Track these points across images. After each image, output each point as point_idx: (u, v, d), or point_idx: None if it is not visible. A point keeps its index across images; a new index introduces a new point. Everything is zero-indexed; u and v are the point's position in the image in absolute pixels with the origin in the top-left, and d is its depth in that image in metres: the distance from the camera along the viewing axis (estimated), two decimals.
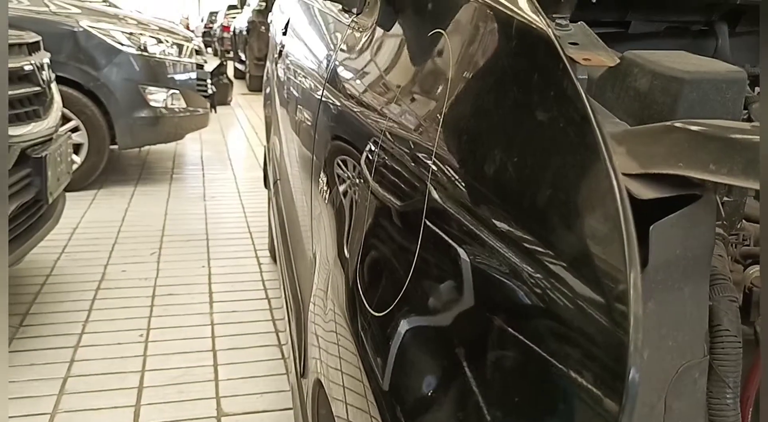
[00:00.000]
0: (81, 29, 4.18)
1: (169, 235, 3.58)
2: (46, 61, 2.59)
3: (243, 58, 11.08)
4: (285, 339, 2.35)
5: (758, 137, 0.41)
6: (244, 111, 8.54)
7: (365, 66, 0.99)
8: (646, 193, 0.44)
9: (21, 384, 2.08)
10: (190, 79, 4.80)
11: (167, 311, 2.65)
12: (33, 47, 2.48)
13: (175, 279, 2.98)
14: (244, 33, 10.48)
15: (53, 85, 2.67)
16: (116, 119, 4.31)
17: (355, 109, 0.94)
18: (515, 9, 0.55)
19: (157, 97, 4.47)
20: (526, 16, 0.53)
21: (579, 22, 0.59)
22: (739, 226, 0.58)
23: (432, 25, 0.73)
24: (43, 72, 2.48)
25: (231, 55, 13.29)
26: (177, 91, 4.61)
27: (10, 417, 1.91)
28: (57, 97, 2.69)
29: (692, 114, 0.53)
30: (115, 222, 3.73)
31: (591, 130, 0.40)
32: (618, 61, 0.56)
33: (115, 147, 4.47)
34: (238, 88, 10.21)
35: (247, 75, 10.47)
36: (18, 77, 2.26)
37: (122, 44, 4.33)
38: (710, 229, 0.46)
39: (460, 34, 0.65)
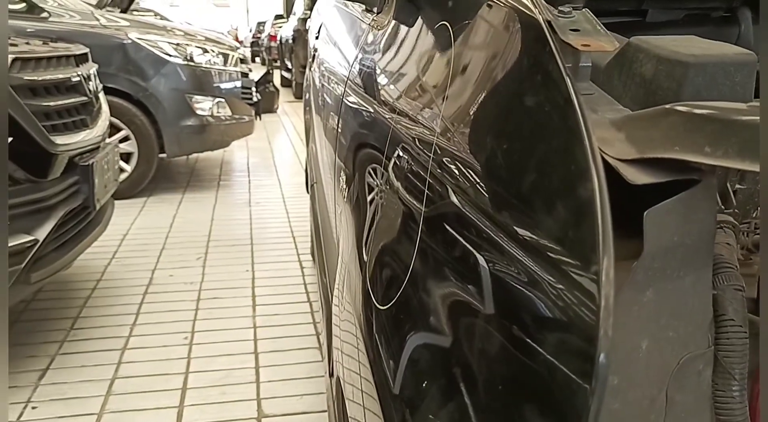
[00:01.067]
0: (130, 41, 4.30)
1: (215, 240, 3.64)
2: (93, 71, 2.67)
3: (289, 66, 11.24)
4: (323, 342, 2.38)
5: (756, 117, 0.40)
6: (290, 118, 8.64)
7: (380, 63, 0.99)
8: (641, 178, 0.43)
9: (71, 385, 2.14)
10: (235, 87, 4.89)
11: (212, 314, 2.70)
12: (80, 59, 2.56)
13: (220, 283, 3.03)
14: (290, 41, 10.62)
15: (101, 95, 2.75)
16: (164, 128, 4.41)
17: (370, 107, 0.95)
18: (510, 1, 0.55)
19: (204, 105, 4.57)
20: (520, 5, 0.52)
21: (583, 9, 0.58)
22: (754, 215, 0.56)
23: (438, 18, 0.73)
24: (90, 82, 2.56)
25: (278, 63, 13.49)
26: (222, 100, 4.70)
27: (59, 417, 1.98)
28: (104, 107, 2.77)
29: (698, 99, 0.52)
30: (164, 229, 3.82)
31: (573, 113, 0.40)
32: (617, 46, 0.55)
33: (164, 155, 4.58)
34: (285, 96, 10.35)
35: (293, 82, 10.60)
36: (66, 87, 2.34)
37: (169, 55, 4.43)
38: (710, 215, 0.44)
39: (461, 25, 0.64)
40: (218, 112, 4.66)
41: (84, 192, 2.34)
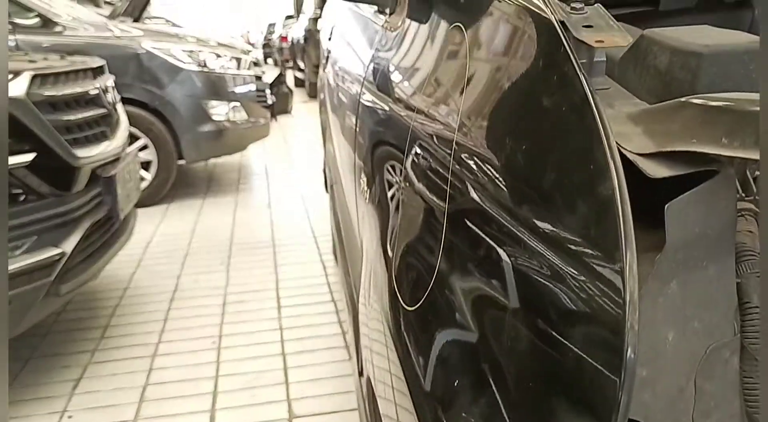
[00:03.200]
0: (144, 51, 4.35)
1: (237, 244, 3.68)
2: (111, 83, 2.70)
3: (302, 66, 11.26)
4: (350, 341, 2.39)
5: None
6: (305, 118, 8.67)
7: (396, 65, 1.00)
8: (661, 171, 0.44)
9: (105, 393, 2.18)
10: (249, 90, 4.92)
11: (238, 318, 2.73)
12: (97, 72, 2.59)
13: (245, 286, 3.06)
14: (302, 42, 10.64)
15: (119, 107, 2.78)
16: (182, 135, 4.46)
17: (388, 110, 0.96)
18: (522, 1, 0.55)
19: (219, 110, 4.60)
20: (532, 5, 0.53)
21: (595, 4, 0.58)
22: None
23: (452, 19, 0.73)
24: (108, 94, 2.59)
25: (290, 64, 13.52)
26: (238, 104, 4.74)
27: None
28: (123, 118, 2.81)
29: (713, 89, 0.52)
30: (186, 234, 3.86)
31: (590, 113, 0.40)
32: (631, 40, 0.55)
33: (183, 162, 4.62)
34: (299, 96, 10.39)
35: (306, 82, 10.63)
36: (85, 101, 2.37)
37: (183, 62, 4.47)
38: (731, 205, 0.45)
39: (476, 26, 0.65)
40: (234, 117, 4.69)
41: (108, 203, 2.37)
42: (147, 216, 4.11)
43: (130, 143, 2.88)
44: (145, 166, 4.33)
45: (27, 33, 4.06)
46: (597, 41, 0.52)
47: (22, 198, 2.00)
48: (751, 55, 0.52)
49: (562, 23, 0.50)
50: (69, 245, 2.09)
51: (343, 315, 2.68)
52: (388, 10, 1.12)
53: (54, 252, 2.03)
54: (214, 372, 2.29)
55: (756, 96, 0.44)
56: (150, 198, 4.38)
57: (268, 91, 5.39)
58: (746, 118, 0.41)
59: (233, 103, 4.70)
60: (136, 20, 5.13)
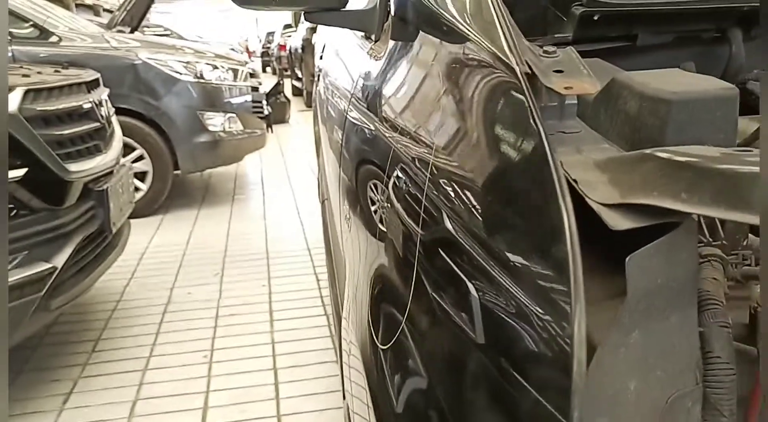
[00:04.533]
0: (141, 61, 4.36)
1: (231, 256, 3.67)
2: (105, 97, 2.71)
3: (299, 75, 11.29)
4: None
5: (728, 165, 0.41)
6: (302, 127, 8.68)
7: (378, 92, 1.01)
8: (623, 223, 0.44)
9: (94, 408, 2.18)
10: (246, 101, 4.93)
11: (230, 331, 2.72)
12: (91, 85, 2.60)
13: (237, 299, 3.06)
14: (300, 51, 10.67)
15: (113, 119, 2.79)
16: (177, 145, 4.46)
17: (371, 134, 0.97)
18: (491, 46, 0.56)
19: (215, 121, 4.61)
20: (501, 51, 0.53)
21: (567, 48, 0.59)
22: (745, 243, 0.57)
23: (430, 53, 0.74)
24: (102, 108, 2.60)
25: (288, 73, 13.55)
26: (234, 115, 4.74)
27: None
28: (117, 131, 2.81)
29: (682, 135, 0.53)
30: (181, 246, 3.86)
31: (548, 170, 0.41)
32: (599, 87, 0.56)
33: (178, 172, 4.63)
34: (296, 105, 10.40)
35: (304, 91, 10.65)
36: (78, 115, 2.38)
37: (180, 73, 4.48)
38: (692, 256, 0.45)
39: (449, 67, 0.66)
40: (230, 128, 4.70)
41: (100, 216, 2.37)
42: (141, 226, 4.11)
43: (126, 154, 2.89)
44: (141, 176, 4.33)
45: (23, 44, 4.06)
46: (566, 88, 0.53)
47: (12, 212, 2.00)
48: (718, 102, 0.53)
49: (528, 73, 0.51)
50: (60, 260, 2.09)
51: (334, 330, 2.68)
52: (374, 37, 1.13)
53: (45, 266, 2.03)
54: (205, 387, 2.28)
55: (715, 152, 0.44)
56: (145, 208, 4.38)
57: (264, 102, 5.40)
58: (706, 175, 0.41)
59: (229, 114, 4.71)
60: (134, 29, 5.14)
